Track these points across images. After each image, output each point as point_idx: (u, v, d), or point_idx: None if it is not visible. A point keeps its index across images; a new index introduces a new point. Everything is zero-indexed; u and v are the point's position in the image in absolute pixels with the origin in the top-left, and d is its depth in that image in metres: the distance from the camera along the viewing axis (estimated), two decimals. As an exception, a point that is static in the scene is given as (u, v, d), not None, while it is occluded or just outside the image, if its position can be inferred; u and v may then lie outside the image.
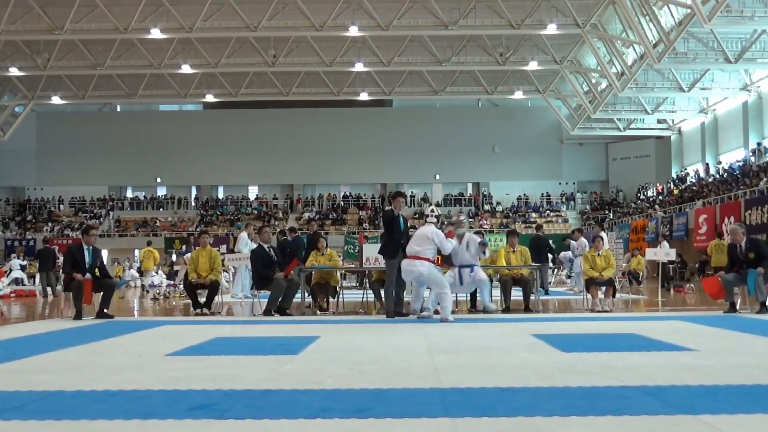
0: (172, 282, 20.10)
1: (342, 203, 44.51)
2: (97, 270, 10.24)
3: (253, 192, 46.03)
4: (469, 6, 29.00)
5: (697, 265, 24.95)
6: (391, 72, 35.27)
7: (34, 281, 21.37)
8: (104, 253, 10.77)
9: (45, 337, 7.63)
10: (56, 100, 37.92)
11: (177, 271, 21.29)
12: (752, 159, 29.61)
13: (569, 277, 20.15)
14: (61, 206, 44.47)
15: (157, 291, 17.93)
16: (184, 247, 29.23)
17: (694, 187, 32.24)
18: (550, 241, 17.19)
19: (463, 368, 4.94)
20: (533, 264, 11.79)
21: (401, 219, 9.85)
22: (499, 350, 5.90)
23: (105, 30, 29.53)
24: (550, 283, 18.17)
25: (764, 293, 9.60)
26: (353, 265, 14.70)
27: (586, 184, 44.84)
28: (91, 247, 10.22)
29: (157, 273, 26.68)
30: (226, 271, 19.20)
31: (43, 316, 11.46)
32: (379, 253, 9.97)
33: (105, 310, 9.96)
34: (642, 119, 39.10)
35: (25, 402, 3.93)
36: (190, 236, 32.29)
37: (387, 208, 10.82)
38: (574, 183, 44.69)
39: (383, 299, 10.15)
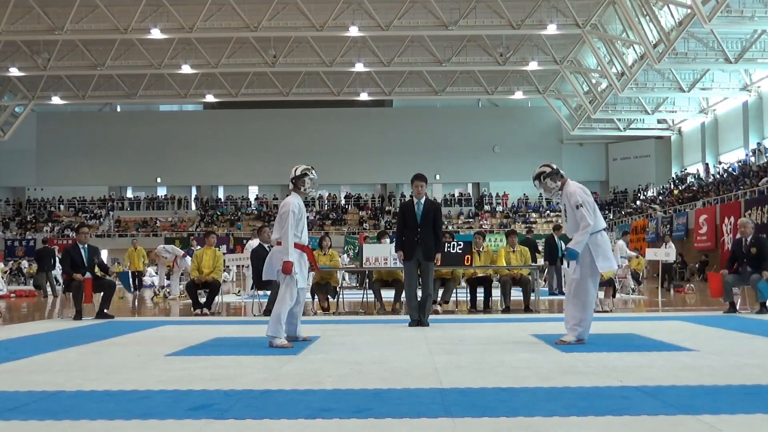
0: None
1: (343, 203, 44.52)
2: (97, 268, 10.26)
3: (253, 192, 46.03)
4: (469, 6, 29.01)
5: (697, 265, 24.97)
6: (391, 72, 35.29)
7: (33, 282, 21.32)
8: (104, 253, 10.77)
9: (45, 337, 7.63)
10: (56, 100, 37.94)
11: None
12: (752, 159, 29.61)
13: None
14: (61, 206, 44.47)
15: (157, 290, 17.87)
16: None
17: (694, 187, 32.26)
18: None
19: (463, 368, 4.94)
20: (533, 264, 11.78)
21: (420, 208, 8.18)
22: (499, 350, 5.89)
23: (105, 30, 29.55)
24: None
25: (765, 293, 9.61)
26: (353, 265, 14.68)
27: (586, 184, 43.72)
28: (86, 245, 10.24)
29: (157, 273, 26.69)
30: (227, 272, 19.17)
31: (43, 316, 11.46)
32: (396, 250, 8.64)
33: (105, 310, 9.97)
34: (642, 119, 39.12)
35: (25, 402, 3.93)
36: (190, 236, 32.26)
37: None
38: (574, 182, 44.62)
39: (403, 302, 9.77)
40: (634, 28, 26.95)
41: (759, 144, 30.02)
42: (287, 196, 6.77)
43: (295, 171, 6.68)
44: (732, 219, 23.17)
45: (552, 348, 5.99)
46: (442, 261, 9.06)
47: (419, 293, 8.44)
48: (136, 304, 15.29)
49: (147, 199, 45.11)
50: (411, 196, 8.45)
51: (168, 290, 16.95)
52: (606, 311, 10.54)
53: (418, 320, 8.16)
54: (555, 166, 6.52)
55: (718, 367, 4.90)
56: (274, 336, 6.25)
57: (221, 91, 37.49)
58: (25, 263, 31.40)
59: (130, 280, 18.25)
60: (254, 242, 15.89)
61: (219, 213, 43.71)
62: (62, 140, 43.54)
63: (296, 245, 6.43)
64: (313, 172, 6.74)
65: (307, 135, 43.26)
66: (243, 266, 15.31)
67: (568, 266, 6.48)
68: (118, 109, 45.70)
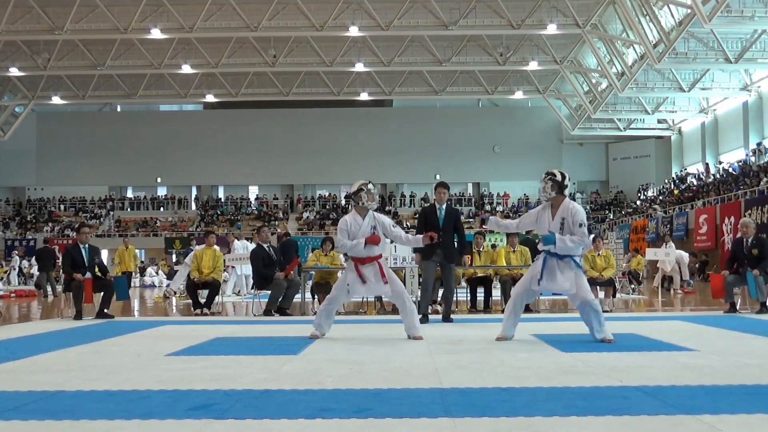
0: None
1: (343, 203, 44.51)
2: (96, 268, 10.27)
3: (253, 192, 46.04)
4: (469, 6, 28.99)
5: (697, 265, 24.95)
6: (391, 72, 35.27)
7: (33, 281, 21.28)
8: (104, 253, 10.80)
9: (45, 337, 7.63)
10: (56, 100, 37.91)
11: (177, 271, 21.07)
12: (752, 159, 29.61)
13: None
14: (62, 206, 44.47)
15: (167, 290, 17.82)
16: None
17: (694, 187, 32.25)
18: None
19: (463, 368, 4.94)
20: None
21: (442, 213, 8.88)
22: (499, 350, 5.90)
23: (105, 30, 29.52)
24: None
25: (764, 293, 9.61)
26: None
27: (586, 184, 44.81)
28: (87, 245, 10.25)
29: (157, 273, 26.69)
30: (226, 272, 19.10)
31: (43, 316, 11.46)
32: (414, 251, 9.22)
33: (105, 310, 9.97)
34: (642, 119, 39.10)
35: (25, 402, 3.93)
36: (191, 237, 32.21)
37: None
38: (574, 183, 44.61)
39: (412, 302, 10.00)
40: (634, 28, 26.94)
41: (759, 144, 30.00)
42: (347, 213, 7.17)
43: (352, 188, 6.93)
44: (732, 219, 23.17)
45: (552, 348, 5.99)
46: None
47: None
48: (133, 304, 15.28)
49: (147, 199, 45.09)
50: (434, 201, 9.09)
51: (169, 290, 16.96)
52: (606, 311, 10.54)
53: (427, 315, 8.71)
54: (566, 182, 6.52)
55: (718, 367, 4.90)
56: (314, 327, 6.98)
57: (221, 91, 37.47)
58: (25, 263, 31.40)
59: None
60: (239, 243, 16.11)
61: (219, 213, 43.70)
62: (62, 140, 43.52)
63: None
64: (370, 185, 6.90)
65: (307, 135, 43.25)
66: (231, 267, 15.24)
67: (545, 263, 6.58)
68: (118, 109, 45.66)
